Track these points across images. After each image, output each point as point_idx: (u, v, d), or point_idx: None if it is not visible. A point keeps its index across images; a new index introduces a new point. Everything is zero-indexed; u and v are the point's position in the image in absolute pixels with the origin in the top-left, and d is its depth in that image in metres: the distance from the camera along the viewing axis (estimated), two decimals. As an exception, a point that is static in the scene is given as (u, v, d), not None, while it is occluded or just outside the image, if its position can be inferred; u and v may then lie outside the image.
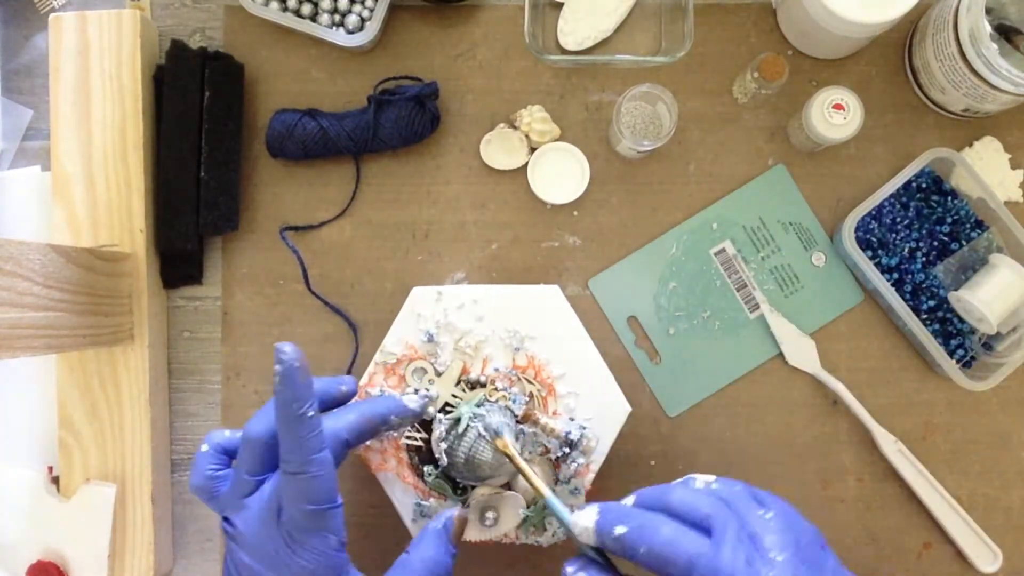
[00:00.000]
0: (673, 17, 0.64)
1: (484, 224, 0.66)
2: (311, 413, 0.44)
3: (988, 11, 0.58)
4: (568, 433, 0.55)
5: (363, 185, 0.66)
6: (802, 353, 0.65)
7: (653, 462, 0.65)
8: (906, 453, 0.64)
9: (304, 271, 0.64)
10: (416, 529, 0.57)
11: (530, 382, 0.57)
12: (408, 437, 0.56)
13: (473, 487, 0.56)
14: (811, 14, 0.60)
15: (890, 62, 0.66)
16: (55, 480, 0.63)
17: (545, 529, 0.56)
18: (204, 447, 0.49)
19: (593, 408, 0.57)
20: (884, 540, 0.65)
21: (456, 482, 0.56)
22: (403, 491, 0.57)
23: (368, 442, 0.56)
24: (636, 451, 0.65)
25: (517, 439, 0.54)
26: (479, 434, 0.53)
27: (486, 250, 0.66)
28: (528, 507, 0.55)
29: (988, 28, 0.56)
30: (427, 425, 0.57)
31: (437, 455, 0.54)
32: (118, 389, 0.62)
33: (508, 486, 0.56)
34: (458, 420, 0.54)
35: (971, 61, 0.57)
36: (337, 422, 0.50)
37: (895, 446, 0.64)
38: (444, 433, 0.54)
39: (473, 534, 0.55)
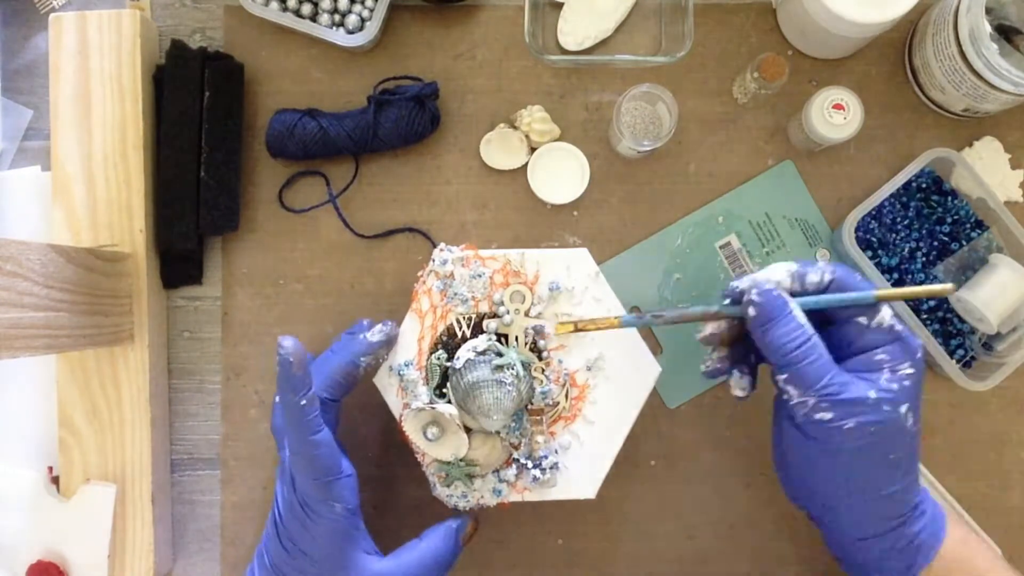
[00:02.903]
0: (673, 17, 0.64)
1: (484, 224, 0.66)
2: (303, 401, 0.49)
3: (988, 11, 0.58)
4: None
5: (363, 185, 0.66)
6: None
7: (653, 462, 0.65)
8: (906, 453, 0.64)
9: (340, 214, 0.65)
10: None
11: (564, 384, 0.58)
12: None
13: (447, 402, 0.56)
14: (811, 14, 0.60)
15: (890, 62, 0.66)
16: (55, 480, 0.63)
17: (464, 487, 0.57)
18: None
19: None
20: (884, 540, 0.65)
21: (443, 392, 0.57)
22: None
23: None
24: (636, 451, 0.65)
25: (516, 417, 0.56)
26: (499, 380, 0.54)
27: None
28: (459, 461, 0.56)
29: (988, 28, 0.56)
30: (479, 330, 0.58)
31: (458, 358, 0.56)
32: (118, 389, 0.62)
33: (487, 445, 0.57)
34: (500, 355, 0.56)
35: (971, 61, 0.57)
36: (316, 385, 0.54)
37: (895, 446, 0.64)
38: (475, 352, 0.55)
39: (412, 436, 0.56)
